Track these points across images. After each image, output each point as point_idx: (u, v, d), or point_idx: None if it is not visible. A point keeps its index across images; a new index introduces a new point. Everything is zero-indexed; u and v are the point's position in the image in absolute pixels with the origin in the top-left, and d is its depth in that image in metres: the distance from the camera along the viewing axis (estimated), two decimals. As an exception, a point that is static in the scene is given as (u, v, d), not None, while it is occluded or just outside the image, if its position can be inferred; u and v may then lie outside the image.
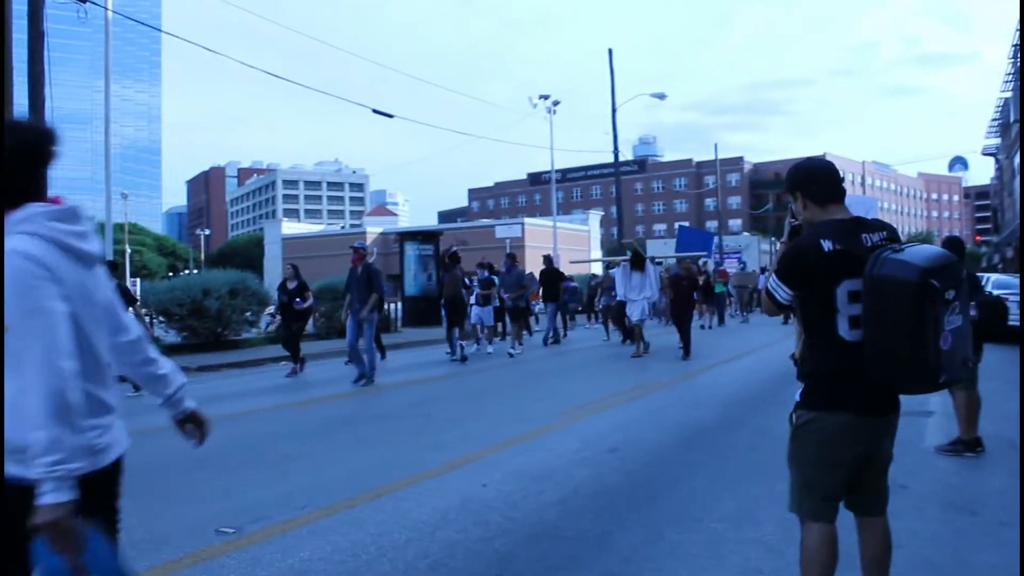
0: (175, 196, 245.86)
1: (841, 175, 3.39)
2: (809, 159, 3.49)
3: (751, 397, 10.49)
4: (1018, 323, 12.59)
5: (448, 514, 5.33)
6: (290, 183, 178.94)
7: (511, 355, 17.02)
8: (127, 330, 2.56)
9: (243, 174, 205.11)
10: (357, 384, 12.48)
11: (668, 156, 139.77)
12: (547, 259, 22.18)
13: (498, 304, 19.18)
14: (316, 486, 6.14)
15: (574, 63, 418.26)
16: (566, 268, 30.56)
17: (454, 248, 18.12)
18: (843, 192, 3.38)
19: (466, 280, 19.20)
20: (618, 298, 18.88)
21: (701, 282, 27.94)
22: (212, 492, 6.06)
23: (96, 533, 2.24)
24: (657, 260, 20.63)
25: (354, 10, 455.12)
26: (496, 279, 19.13)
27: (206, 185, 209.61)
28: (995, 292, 12.88)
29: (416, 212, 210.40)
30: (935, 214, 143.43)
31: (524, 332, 20.24)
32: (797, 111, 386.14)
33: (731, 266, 42.05)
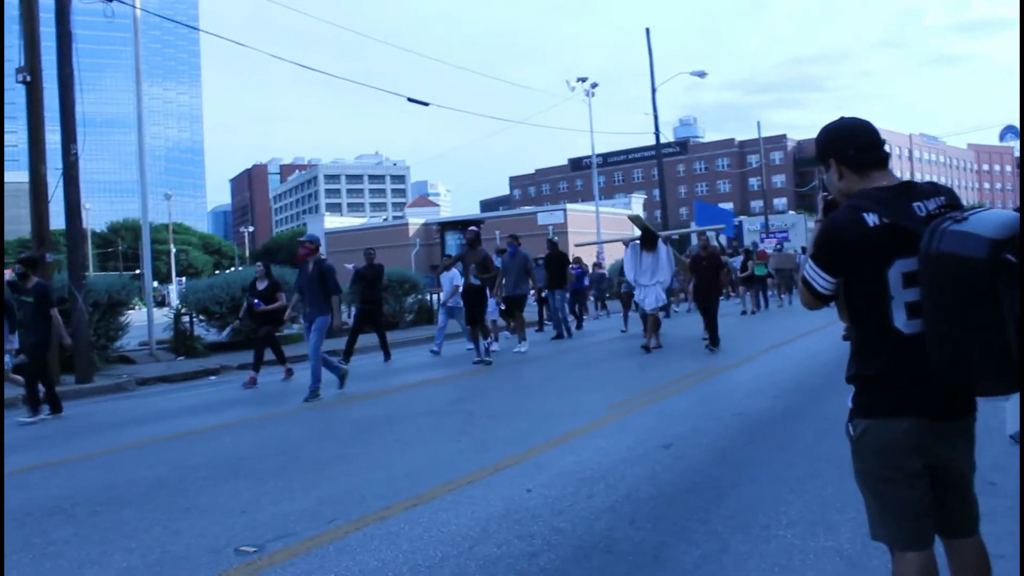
0: (219, 195, 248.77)
1: (881, 136, 2.80)
2: (841, 119, 2.87)
3: (814, 383, 9.85)
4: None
5: (489, 525, 4.87)
6: (332, 178, 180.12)
7: (519, 352, 15.57)
8: None
9: (285, 170, 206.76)
10: (308, 401, 10.47)
11: (709, 136, 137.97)
12: (551, 243, 20.58)
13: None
14: (349, 495, 5.71)
15: (613, 46, 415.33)
16: (582, 253, 29.89)
17: (472, 229, 15.81)
18: (886, 155, 2.78)
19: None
20: (628, 283, 16.56)
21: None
22: (238, 504, 5.65)
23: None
24: (674, 236, 18.56)
25: (389, 1, 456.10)
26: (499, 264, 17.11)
27: (249, 183, 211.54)
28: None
29: (458, 202, 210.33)
30: (987, 186, 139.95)
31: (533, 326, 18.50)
32: (839, 86, 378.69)
33: (770, 247, 40.43)
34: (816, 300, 2.78)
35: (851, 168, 2.73)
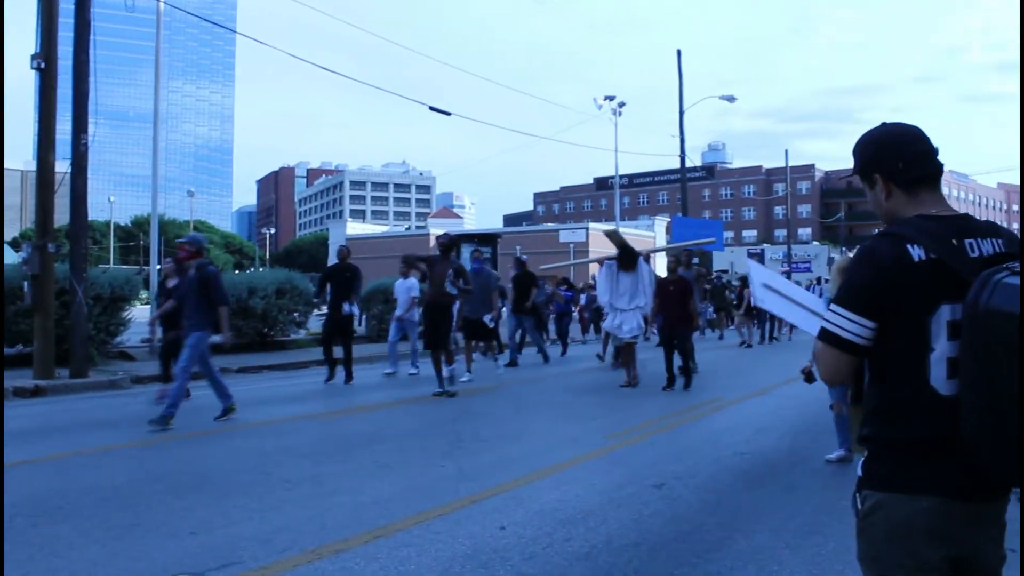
0: (246, 195, 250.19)
1: (935, 146, 2.30)
2: (885, 125, 2.38)
3: (825, 424, 9.25)
4: None
5: (452, 566, 4.44)
6: (357, 184, 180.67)
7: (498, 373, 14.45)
8: None
9: (312, 174, 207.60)
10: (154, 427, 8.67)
11: (738, 163, 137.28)
12: (519, 262, 18.02)
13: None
14: (311, 521, 5.29)
15: (648, 66, 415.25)
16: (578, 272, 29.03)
17: (447, 233, 13.61)
18: (940, 167, 2.30)
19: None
20: (602, 307, 14.66)
21: (708, 288, 24.97)
22: (189, 524, 5.24)
23: None
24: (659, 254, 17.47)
25: (427, 11, 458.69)
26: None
27: (275, 185, 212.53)
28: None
29: (482, 215, 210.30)
30: (1015, 226, 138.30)
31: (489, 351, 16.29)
32: (872, 119, 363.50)
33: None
34: (841, 360, 2.19)
35: (901, 185, 2.27)
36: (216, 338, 9.76)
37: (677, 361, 12.52)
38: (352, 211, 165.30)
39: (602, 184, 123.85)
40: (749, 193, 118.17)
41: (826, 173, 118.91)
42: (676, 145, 37.05)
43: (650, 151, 64.38)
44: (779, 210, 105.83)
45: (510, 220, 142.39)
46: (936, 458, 2.11)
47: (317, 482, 6.44)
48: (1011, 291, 1.93)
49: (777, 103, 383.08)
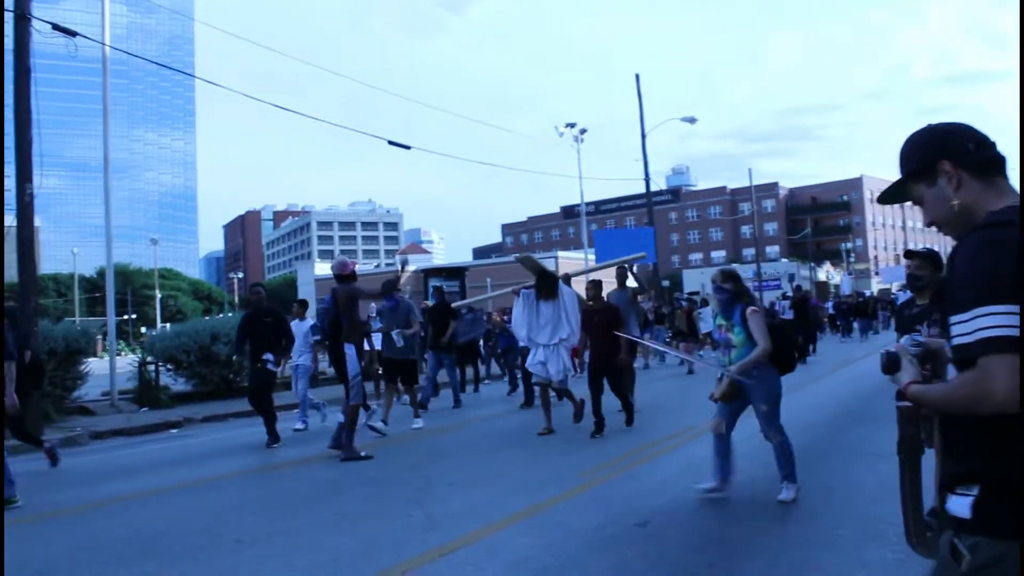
0: (213, 240, 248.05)
1: None
2: (931, 124, 2.07)
3: (813, 446, 8.78)
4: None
5: (417, 635, 3.99)
6: (325, 224, 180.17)
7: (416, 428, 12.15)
8: None
9: (278, 217, 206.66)
10: None
11: (702, 185, 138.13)
12: (438, 291, 16.78)
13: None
14: (262, 587, 4.82)
15: (609, 95, 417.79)
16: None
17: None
18: (1006, 158, 1.95)
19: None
20: (520, 343, 12.82)
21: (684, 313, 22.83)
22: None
23: None
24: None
25: (386, 50, 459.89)
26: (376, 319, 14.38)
27: (242, 229, 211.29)
28: None
29: (451, 249, 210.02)
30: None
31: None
32: (830, 136, 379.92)
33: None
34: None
35: (974, 170, 1.92)
36: None
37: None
38: (320, 251, 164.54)
39: (569, 212, 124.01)
40: (715, 214, 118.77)
41: (790, 190, 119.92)
42: (640, 169, 37.02)
43: (615, 176, 64.49)
44: (746, 229, 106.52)
45: (479, 253, 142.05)
46: None
47: (270, 541, 5.94)
48: None
49: (736, 125, 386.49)
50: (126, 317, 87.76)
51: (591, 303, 10.98)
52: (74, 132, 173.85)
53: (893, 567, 4.70)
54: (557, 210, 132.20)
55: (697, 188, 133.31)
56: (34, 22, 14.46)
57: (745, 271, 69.53)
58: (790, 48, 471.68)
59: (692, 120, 37.94)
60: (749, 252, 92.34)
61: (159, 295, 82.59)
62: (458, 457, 9.68)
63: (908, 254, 5.31)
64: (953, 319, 1.78)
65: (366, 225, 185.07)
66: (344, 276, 9.94)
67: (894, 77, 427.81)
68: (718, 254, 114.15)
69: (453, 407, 14.90)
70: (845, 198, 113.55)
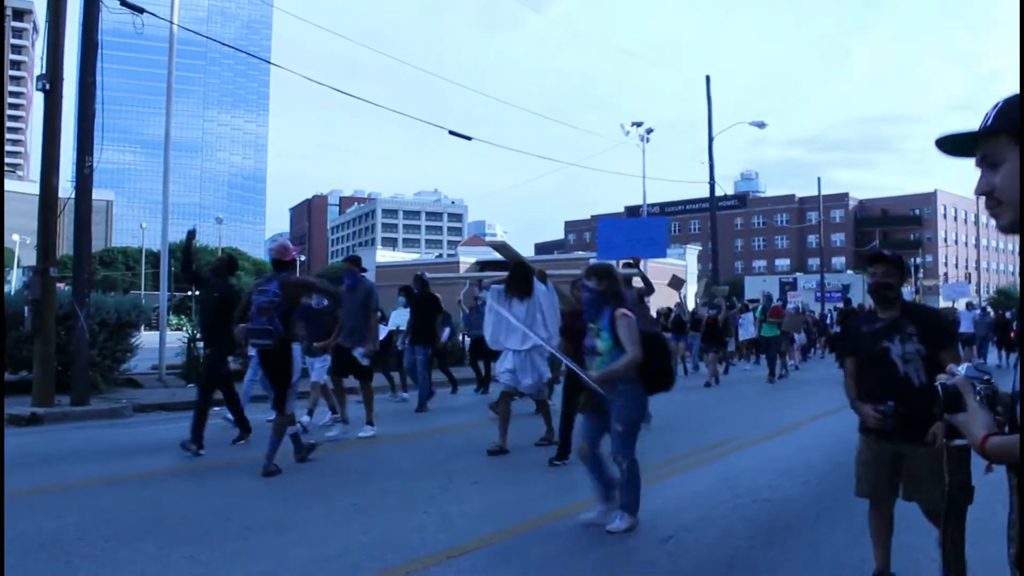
0: (279, 223, 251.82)
1: None
2: None
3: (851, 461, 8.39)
4: None
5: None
6: (390, 212, 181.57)
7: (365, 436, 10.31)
8: None
9: (344, 203, 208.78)
10: None
11: (770, 192, 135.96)
12: (419, 279, 14.52)
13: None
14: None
15: (679, 97, 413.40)
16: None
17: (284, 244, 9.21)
18: None
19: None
20: (490, 346, 9.83)
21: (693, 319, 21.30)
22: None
23: None
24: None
25: (461, 44, 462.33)
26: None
27: (308, 213, 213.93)
28: None
29: (515, 243, 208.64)
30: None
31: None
32: (907, 148, 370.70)
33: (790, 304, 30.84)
34: None
35: None
36: None
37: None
38: (384, 239, 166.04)
39: (633, 212, 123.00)
40: (782, 222, 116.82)
41: (860, 201, 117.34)
42: (707, 173, 36.39)
43: (682, 179, 63.75)
44: (812, 239, 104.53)
45: (541, 248, 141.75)
46: None
47: (281, 531, 5.77)
48: None
49: (810, 132, 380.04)
50: (189, 293, 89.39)
51: (576, 300, 8.70)
52: (152, 110, 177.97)
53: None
54: (621, 209, 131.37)
55: (765, 195, 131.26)
56: (103, -2, 14.60)
57: (808, 281, 68.20)
58: (873, 56, 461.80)
59: (761, 125, 37.20)
60: (814, 262, 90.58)
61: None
62: (484, 455, 9.24)
63: (873, 259, 4.60)
64: None
65: (430, 215, 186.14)
66: (283, 263, 8.53)
67: (980, 89, 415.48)
68: (782, 262, 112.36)
69: (416, 410, 13.12)
70: (917, 212, 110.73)
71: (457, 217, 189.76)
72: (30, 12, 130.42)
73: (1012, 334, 25.20)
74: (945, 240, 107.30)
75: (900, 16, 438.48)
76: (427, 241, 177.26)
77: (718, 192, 39.08)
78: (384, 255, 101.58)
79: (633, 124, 37.99)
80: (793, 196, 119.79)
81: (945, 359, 4.08)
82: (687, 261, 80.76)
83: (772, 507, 6.65)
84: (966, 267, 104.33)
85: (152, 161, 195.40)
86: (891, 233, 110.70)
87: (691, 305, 29.57)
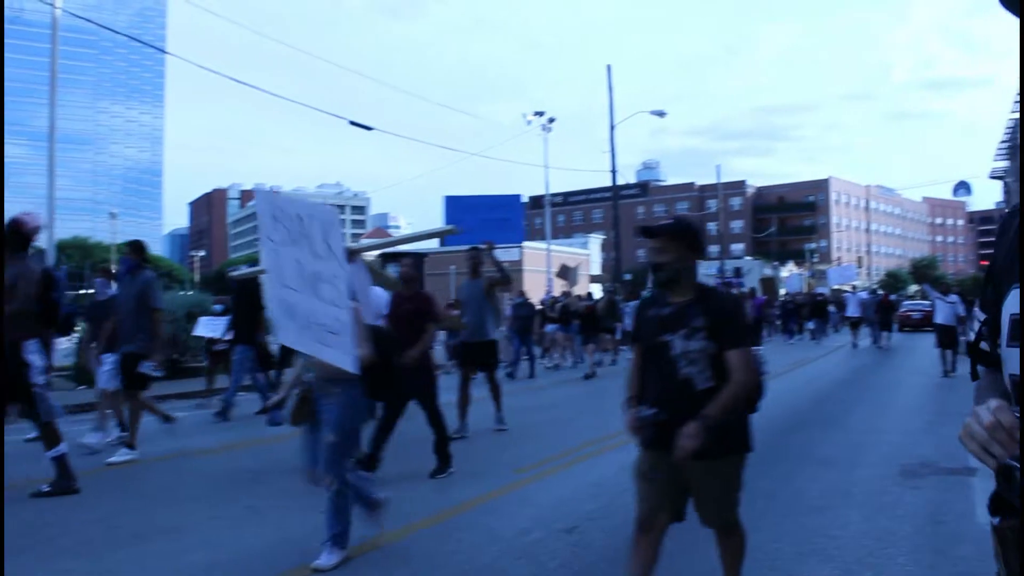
0: (178, 217, 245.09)
1: None
2: None
3: (774, 451, 8.51)
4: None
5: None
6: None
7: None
8: None
9: (246, 196, 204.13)
10: None
11: (672, 180, 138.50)
12: (239, 280, 11.88)
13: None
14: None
15: (583, 87, 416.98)
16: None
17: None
18: None
19: None
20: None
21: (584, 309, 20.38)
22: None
23: None
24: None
25: (365, 30, 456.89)
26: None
27: (208, 207, 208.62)
28: None
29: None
30: (939, 239, 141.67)
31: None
32: (803, 136, 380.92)
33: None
34: None
35: None
36: None
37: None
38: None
39: (536, 203, 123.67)
40: (683, 209, 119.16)
41: (757, 189, 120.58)
42: (609, 162, 36.73)
43: (585, 169, 64.33)
44: (712, 226, 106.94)
45: (446, 240, 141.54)
46: None
47: (169, 536, 5.52)
48: None
49: (711, 121, 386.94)
50: (82, 292, 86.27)
51: (407, 285, 8.08)
52: (39, 101, 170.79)
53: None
54: (525, 200, 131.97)
55: (666, 183, 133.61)
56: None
57: (709, 268, 69.66)
58: (771, 46, 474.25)
59: (661, 114, 37.72)
60: (715, 249, 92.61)
61: (115, 270, 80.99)
62: (403, 447, 9.07)
63: (646, 231, 3.78)
64: None
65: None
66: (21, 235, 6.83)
67: (873, 79, 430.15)
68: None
69: (257, 413, 11.86)
70: (812, 199, 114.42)
71: (360, 210, 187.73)
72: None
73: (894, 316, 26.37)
74: (838, 226, 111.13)
75: (805, 3, 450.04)
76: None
77: (620, 181, 39.53)
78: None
79: (535, 114, 38.10)
80: (693, 184, 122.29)
81: (732, 361, 3.49)
82: (590, 249, 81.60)
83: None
84: (857, 251, 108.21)
85: (40, 154, 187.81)
86: (787, 219, 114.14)
87: (597, 295, 29.70)
